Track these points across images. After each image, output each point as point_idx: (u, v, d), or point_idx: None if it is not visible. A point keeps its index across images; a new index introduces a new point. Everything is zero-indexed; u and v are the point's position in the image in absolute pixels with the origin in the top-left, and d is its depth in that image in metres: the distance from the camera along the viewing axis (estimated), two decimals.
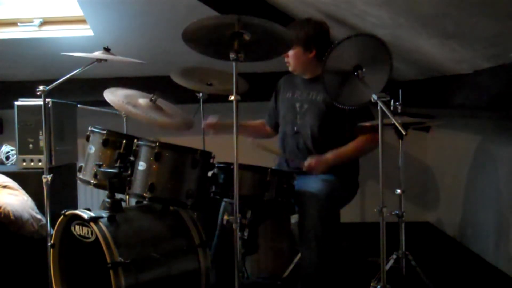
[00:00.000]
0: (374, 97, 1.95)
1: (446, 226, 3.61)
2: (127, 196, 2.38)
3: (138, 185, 2.15)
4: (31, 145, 2.76)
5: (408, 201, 3.11)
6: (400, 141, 2.48)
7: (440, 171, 3.75)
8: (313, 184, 2.39)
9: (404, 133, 1.92)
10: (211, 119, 2.67)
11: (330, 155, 2.46)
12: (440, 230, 3.68)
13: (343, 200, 2.58)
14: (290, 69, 2.62)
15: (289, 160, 2.62)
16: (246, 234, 2.15)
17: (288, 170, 2.59)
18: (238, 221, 1.97)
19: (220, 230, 2.53)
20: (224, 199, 2.40)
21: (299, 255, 2.65)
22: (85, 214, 1.99)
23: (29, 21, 3.24)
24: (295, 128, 2.61)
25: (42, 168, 2.43)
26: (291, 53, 2.53)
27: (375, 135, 2.44)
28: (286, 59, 2.58)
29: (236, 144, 1.96)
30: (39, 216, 2.55)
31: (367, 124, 2.33)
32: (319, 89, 2.53)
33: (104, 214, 2.02)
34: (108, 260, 1.89)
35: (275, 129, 2.85)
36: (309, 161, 2.41)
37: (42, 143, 2.74)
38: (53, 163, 2.73)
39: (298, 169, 2.48)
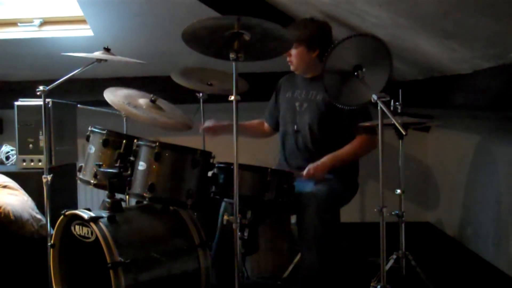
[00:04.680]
0: (374, 97, 1.95)
1: (446, 226, 3.61)
2: (127, 196, 2.38)
3: (138, 185, 2.15)
4: (31, 145, 2.77)
5: (408, 201, 3.11)
6: (400, 141, 2.48)
7: (440, 171, 3.75)
8: (312, 184, 2.38)
9: (404, 133, 1.92)
10: (208, 123, 2.67)
11: (327, 159, 2.44)
12: (440, 230, 3.67)
13: (343, 200, 2.58)
14: (291, 68, 2.61)
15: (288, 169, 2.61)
16: (246, 234, 2.15)
17: (289, 170, 2.59)
18: (238, 221, 1.97)
19: (220, 230, 2.53)
20: (224, 199, 2.40)
21: (299, 255, 2.65)
22: (85, 214, 1.99)
23: (29, 21, 3.24)
24: (295, 127, 2.61)
25: (42, 168, 2.43)
26: (294, 52, 2.52)
27: (373, 136, 2.45)
28: (288, 58, 2.57)
29: (236, 144, 1.96)
30: (39, 216, 2.55)
31: (366, 124, 2.33)
32: (318, 88, 2.52)
33: (104, 214, 2.03)
34: (108, 260, 1.89)
35: (275, 128, 2.85)
36: (308, 170, 2.40)
37: (42, 143, 2.74)
38: (53, 163, 2.74)
39: (299, 169, 2.47)
